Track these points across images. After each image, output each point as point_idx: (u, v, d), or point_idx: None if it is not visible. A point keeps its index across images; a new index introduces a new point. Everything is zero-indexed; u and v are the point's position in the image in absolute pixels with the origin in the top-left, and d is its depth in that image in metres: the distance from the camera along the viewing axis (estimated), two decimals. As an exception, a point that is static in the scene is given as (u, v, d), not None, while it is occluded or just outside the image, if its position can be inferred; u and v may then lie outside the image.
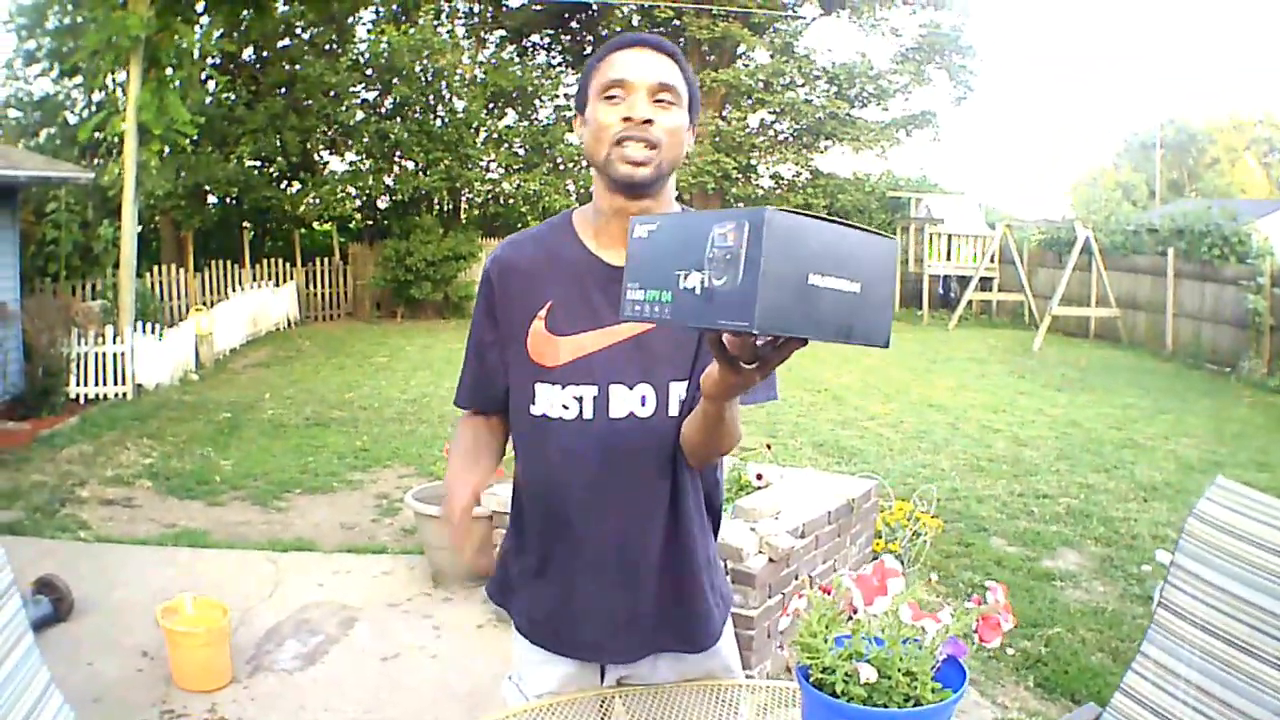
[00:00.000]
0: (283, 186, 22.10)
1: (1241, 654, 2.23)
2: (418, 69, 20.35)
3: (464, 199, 22.91)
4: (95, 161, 15.95)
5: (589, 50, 24.97)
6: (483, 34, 25.22)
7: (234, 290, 17.36)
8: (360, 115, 21.21)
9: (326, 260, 20.99)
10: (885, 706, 1.40)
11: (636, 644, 2.03)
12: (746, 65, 23.80)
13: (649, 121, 1.83)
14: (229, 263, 19.03)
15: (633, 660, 2.06)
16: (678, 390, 1.92)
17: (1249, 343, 15.09)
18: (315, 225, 22.71)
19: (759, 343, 1.42)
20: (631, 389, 1.91)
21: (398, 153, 21.15)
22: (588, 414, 1.91)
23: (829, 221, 1.24)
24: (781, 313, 1.20)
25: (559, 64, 25.54)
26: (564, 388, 1.92)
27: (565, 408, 1.92)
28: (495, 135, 21.95)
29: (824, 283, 1.23)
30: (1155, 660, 2.41)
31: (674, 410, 1.92)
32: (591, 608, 2.00)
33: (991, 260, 21.11)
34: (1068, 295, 18.44)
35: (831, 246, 1.24)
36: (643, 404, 1.91)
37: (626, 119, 1.83)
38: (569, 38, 26.00)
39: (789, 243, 1.20)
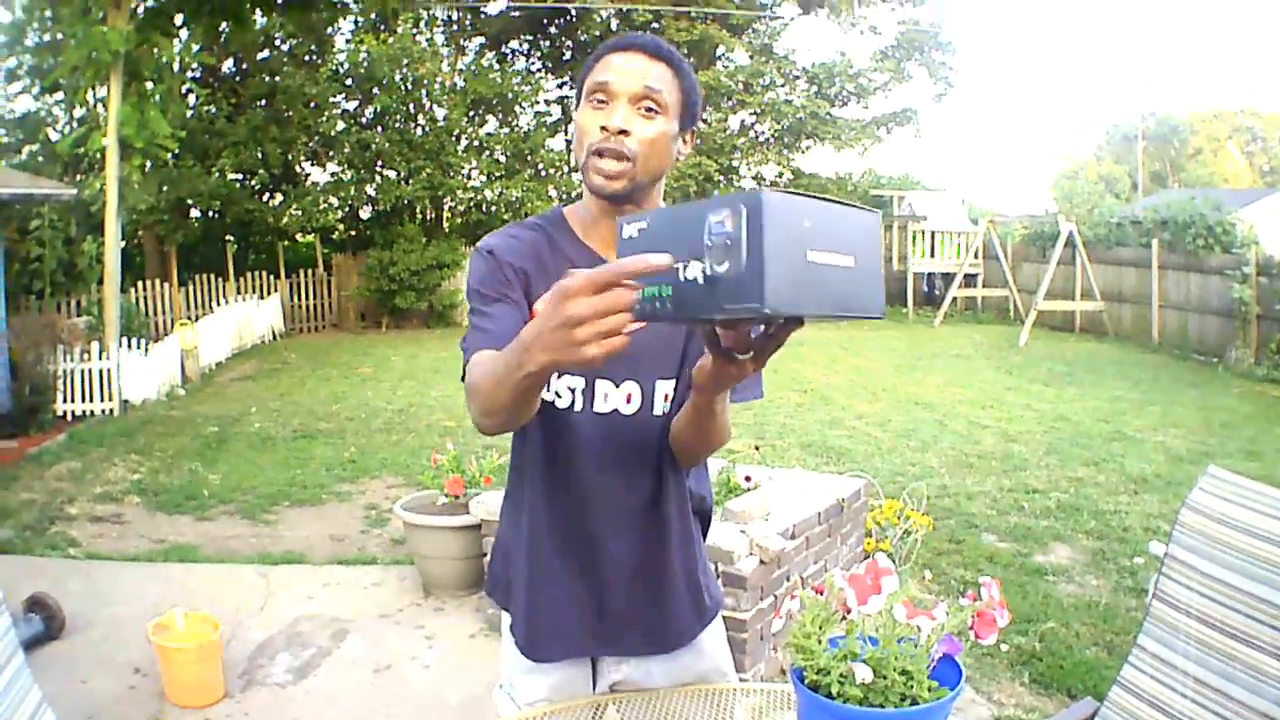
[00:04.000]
0: (265, 199, 22.07)
1: (1240, 645, 2.22)
2: (397, 78, 20.37)
3: (446, 207, 22.88)
4: (78, 177, 15.90)
5: (568, 55, 25.04)
6: (461, 41, 25.24)
7: (218, 304, 17.30)
8: (341, 125, 21.24)
9: (310, 272, 20.93)
10: (882, 706, 1.39)
11: (605, 641, 2.02)
12: (726, 67, 23.86)
13: (625, 132, 1.80)
14: (213, 276, 18.99)
15: (615, 654, 2.06)
16: (664, 388, 1.92)
17: (1235, 332, 15.13)
18: (298, 237, 22.67)
19: (752, 332, 1.41)
20: (618, 386, 1.90)
21: (379, 162, 21.15)
22: (577, 405, 1.91)
23: (816, 198, 1.26)
24: (788, 292, 1.21)
25: (538, 70, 25.52)
26: (558, 376, 1.90)
27: (558, 395, 1.91)
28: (476, 143, 21.94)
29: (821, 259, 1.24)
30: (1152, 653, 2.40)
31: (659, 409, 1.92)
32: (568, 600, 1.99)
33: (975, 256, 21.17)
34: (1053, 289, 18.48)
35: (823, 222, 1.25)
36: (628, 401, 1.91)
37: (604, 128, 1.81)
38: (548, 43, 25.97)
39: (786, 222, 1.21)
